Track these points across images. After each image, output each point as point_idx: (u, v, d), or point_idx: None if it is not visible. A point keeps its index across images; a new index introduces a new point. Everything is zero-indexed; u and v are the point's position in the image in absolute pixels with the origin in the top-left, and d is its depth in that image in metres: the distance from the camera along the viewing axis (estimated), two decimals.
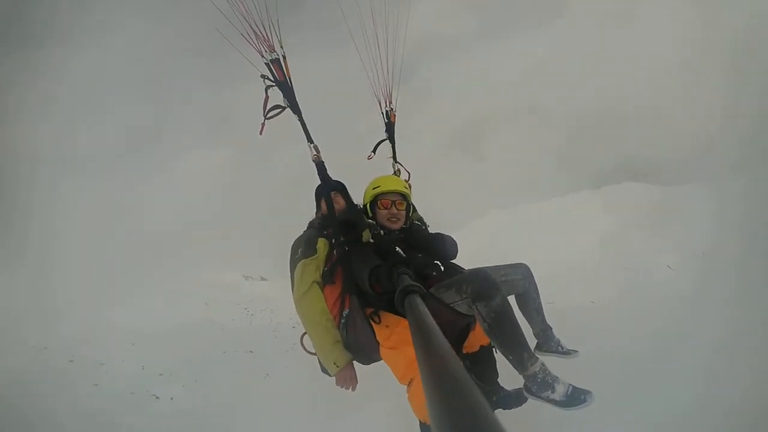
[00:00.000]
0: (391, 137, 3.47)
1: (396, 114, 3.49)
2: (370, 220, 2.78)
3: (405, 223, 2.92)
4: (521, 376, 2.38)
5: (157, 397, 4.78)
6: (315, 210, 3.12)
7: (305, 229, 3.01)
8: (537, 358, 2.22)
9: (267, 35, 2.42)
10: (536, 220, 8.56)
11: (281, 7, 2.43)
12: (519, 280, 2.78)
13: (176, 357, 5.55)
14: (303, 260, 2.72)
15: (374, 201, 2.87)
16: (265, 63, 2.51)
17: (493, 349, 2.77)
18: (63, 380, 4.80)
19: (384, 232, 2.75)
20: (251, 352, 5.86)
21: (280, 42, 2.50)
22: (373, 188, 2.89)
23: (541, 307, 2.88)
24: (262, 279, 11.08)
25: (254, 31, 2.36)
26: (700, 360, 3.35)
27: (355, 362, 2.73)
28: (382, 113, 3.47)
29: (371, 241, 2.69)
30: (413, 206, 3.20)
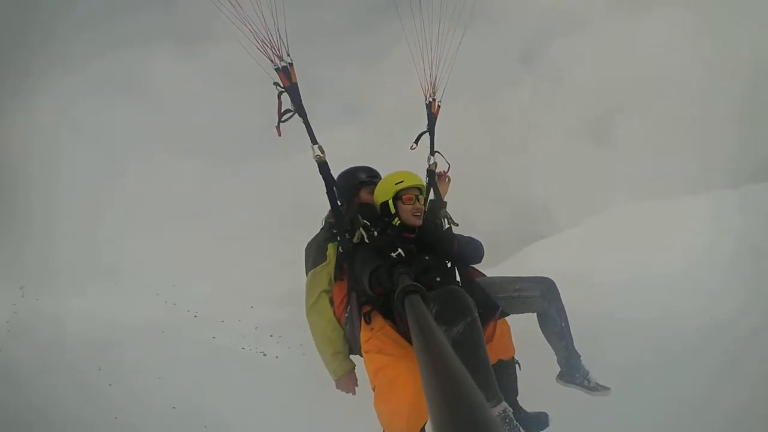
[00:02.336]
0: (431, 129, 3.35)
1: (440, 106, 3.35)
2: (364, 221, 2.76)
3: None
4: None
5: (265, 355, 5.51)
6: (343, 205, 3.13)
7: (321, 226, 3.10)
8: (501, 400, 2.06)
9: (277, 46, 2.58)
10: (662, 219, 7.52)
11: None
12: (536, 297, 2.57)
13: (285, 321, 6.25)
14: (313, 269, 2.83)
15: (396, 196, 2.81)
16: (275, 70, 2.65)
17: (517, 365, 2.61)
18: (188, 330, 5.76)
19: (379, 233, 2.72)
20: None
21: (288, 51, 2.64)
22: (396, 183, 2.82)
23: (568, 331, 2.60)
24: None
25: (265, 43, 2.53)
26: None
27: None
28: (426, 104, 3.35)
29: (366, 241, 2.69)
30: (445, 203, 3.17)
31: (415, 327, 1.11)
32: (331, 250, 2.83)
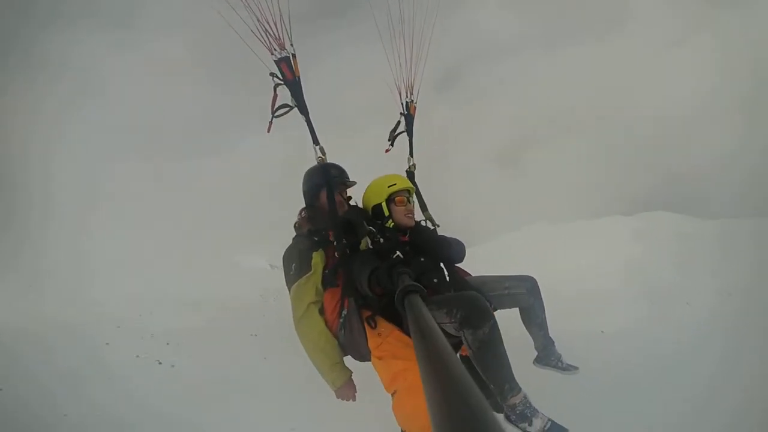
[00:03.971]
0: (409, 131, 3.41)
1: (417, 107, 3.41)
2: (370, 227, 2.76)
3: None
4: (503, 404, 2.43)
5: (160, 363, 5.03)
6: (303, 208, 3.08)
7: (294, 235, 2.99)
8: (519, 390, 2.20)
9: (278, 33, 2.46)
10: (567, 240, 8.41)
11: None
12: (523, 294, 2.78)
13: (184, 329, 5.82)
14: (298, 281, 2.72)
15: (390, 198, 2.88)
16: (275, 61, 2.53)
17: None
18: (80, 336, 5.15)
19: (384, 239, 2.72)
20: (255, 335, 6.03)
21: (291, 40, 2.52)
22: (389, 185, 2.89)
23: (545, 322, 2.88)
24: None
25: (265, 28, 2.40)
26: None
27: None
28: (401, 104, 3.40)
29: (370, 247, 2.68)
30: (425, 204, 3.23)
31: (415, 327, 1.12)
32: (317, 259, 2.73)
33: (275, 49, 2.50)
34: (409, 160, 3.37)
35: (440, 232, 3.13)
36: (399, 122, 3.40)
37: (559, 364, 2.85)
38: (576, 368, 2.80)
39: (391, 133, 3.39)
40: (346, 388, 2.74)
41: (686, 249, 6.76)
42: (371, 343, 2.49)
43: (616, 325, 5.21)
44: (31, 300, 6.32)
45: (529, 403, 2.18)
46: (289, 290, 2.80)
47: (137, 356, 4.98)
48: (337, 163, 3.09)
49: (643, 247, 7.10)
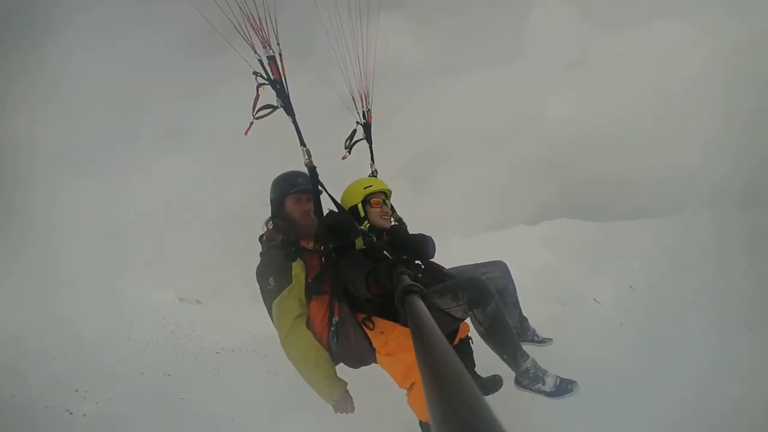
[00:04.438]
0: (368, 138, 3.51)
1: (372, 114, 3.52)
2: (362, 227, 2.79)
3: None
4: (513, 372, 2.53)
5: (71, 413, 4.40)
6: (270, 218, 2.97)
7: (263, 247, 2.84)
8: (528, 355, 2.38)
9: (264, 30, 2.39)
10: (474, 253, 8.86)
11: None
12: (498, 277, 2.96)
13: (92, 373, 5.16)
14: (279, 296, 2.58)
15: (365, 200, 2.95)
16: (259, 60, 2.45)
17: (470, 340, 2.86)
18: None
19: (376, 238, 2.78)
20: (169, 375, 5.53)
21: (277, 38, 2.46)
22: (365, 187, 2.97)
23: (518, 301, 3.08)
24: (198, 302, 10.58)
25: (250, 25, 2.32)
26: (616, 390, 3.54)
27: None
28: (358, 113, 3.49)
29: (363, 247, 2.70)
30: (393, 207, 3.29)
31: (415, 327, 1.16)
32: (297, 269, 2.62)
33: (262, 47, 2.40)
34: (371, 165, 3.49)
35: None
36: (355, 131, 3.48)
37: (536, 338, 3.10)
38: (550, 340, 3.09)
39: (347, 141, 3.46)
40: (344, 401, 2.64)
41: (589, 251, 7.48)
42: (376, 343, 2.48)
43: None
44: None
45: (539, 365, 2.35)
46: (268, 307, 2.65)
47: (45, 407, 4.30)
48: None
49: (550, 252, 7.69)
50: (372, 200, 2.95)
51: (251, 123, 2.57)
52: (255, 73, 2.50)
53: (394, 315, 2.50)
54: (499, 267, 3.01)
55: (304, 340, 2.57)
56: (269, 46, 2.44)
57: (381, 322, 2.53)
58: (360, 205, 2.95)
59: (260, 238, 2.91)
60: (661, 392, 3.50)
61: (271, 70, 2.49)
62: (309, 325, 2.66)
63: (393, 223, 3.12)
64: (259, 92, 2.53)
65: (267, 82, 2.50)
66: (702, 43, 14.08)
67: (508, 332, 2.40)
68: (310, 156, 2.69)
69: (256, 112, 2.56)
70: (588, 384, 3.77)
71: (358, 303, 2.57)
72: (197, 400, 4.69)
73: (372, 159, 3.50)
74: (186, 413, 4.42)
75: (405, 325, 2.45)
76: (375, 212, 2.94)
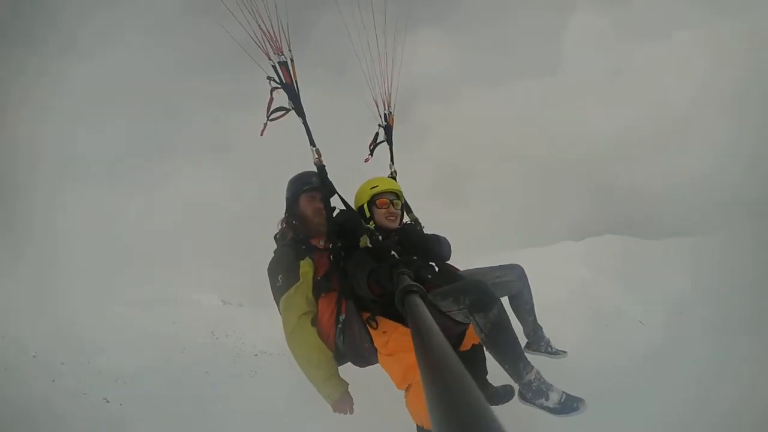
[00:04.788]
0: (389, 139, 3.53)
1: (395, 117, 3.56)
2: (368, 225, 2.79)
3: (400, 223, 2.99)
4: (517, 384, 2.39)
5: (108, 401, 4.66)
6: (284, 216, 3.03)
7: (277, 245, 2.91)
8: (532, 367, 2.25)
9: (276, 37, 2.51)
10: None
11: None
12: (513, 281, 2.85)
13: (134, 367, 5.43)
14: (286, 293, 2.64)
15: (371, 201, 2.93)
16: (272, 65, 2.58)
17: (484, 347, 2.73)
18: (23, 373, 4.72)
19: (382, 237, 2.75)
20: (207, 372, 5.72)
21: (289, 45, 2.58)
22: (371, 188, 2.95)
23: (533, 308, 2.95)
24: (240, 305, 10.92)
25: (263, 32, 2.45)
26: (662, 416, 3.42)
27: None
28: (380, 116, 3.53)
29: (369, 246, 2.69)
30: (409, 206, 3.26)
31: (415, 327, 1.16)
32: (305, 268, 2.68)
33: (274, 54, 2.52)
34: (390, 166, 3.49)
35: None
36: (377, 133, 3.53)
37: (549, 348, 2.94)
38: (564, 353, 2.91)
39: (371, 144, 3.53)
40: (343, 401, 2.65)
41: (634, 269, 7.12)
42: (377, 343, 2.48)
43: (571, 346, 5.37)
44: None
45: (543, 379, 2.26)
46: (277, 303, 2.71)
47: (84, 394, 4.59)
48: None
49: (593, 270, 7.38)
50: (377, 201, 2.93)
51: (265, 124, 2.69)
52: (269, 78, 2.62)
53: (398, 315, 2.48)
54: (515, 271, 2.90)
55: (308, 338, 2.61)
56: (281, 52, 2.56)
57: (384, 322, 2.52)
58: (366, 206, 2.96)
59: (275, 236, 2.99)
60: (710, 414, 3.32)
61: (283, 75, 2.61)
62: (316, 322, 2.69)
63: (408, 223, 3.10)
64: (273, 96, 2.64)
65: (279, 86, 2.61)
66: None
67: (511, 341, 2.27)
68: (320, 155, 2.75)
69: (270, 114, 2.68)
70: (624, 405, 3.65)
71: (364, 302, 2.57)
72: (232, 399, 4.85)
73: (392, 160, 3.51)
74: (221, 411, 4.59)
75: (408, 325, 2.42)
76: (380, 213, 2.92)
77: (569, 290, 6.55)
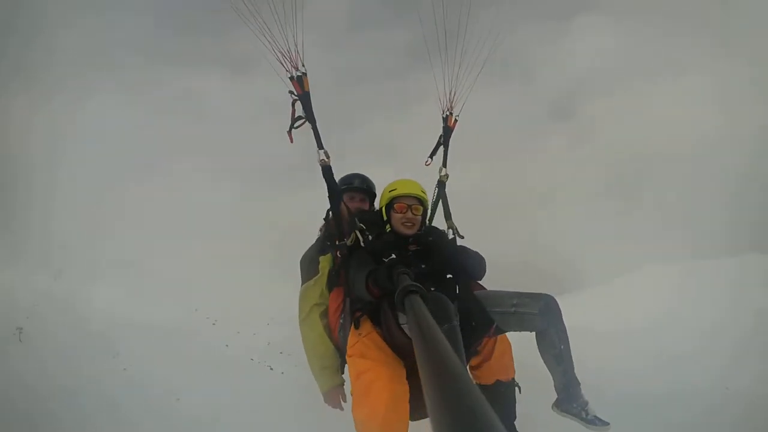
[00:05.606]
0: (446, 142, 3.37)
1: (457, 120, 3.40)
2: (360, 224, 2.79)
3: (420, 229, 2.82)
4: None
5: (272, 369, 5.58)
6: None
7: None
8: None
9: (294, 56, 2.80)
10: (694, 282, 7.32)
11: None
12: (534, 315, 2.43)
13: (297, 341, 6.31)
14: (305, 284, 2.95)
15: (390, 204, 2.82)
16: (290, 78, 2.86)
17: (517, 388, 2.58)
18: (202, 336, 5.98)
19: (374, 237, 2.73)
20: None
21: (302, 61, 2.86)
22: (390, 191, 2.85)
23: (567, 355, 2.43)
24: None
25: (282, 53, 2.77)
26: None
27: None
28: (442, 117, 3.38)
29: (362, 245, 2.71)
30: (449, 212, 3.16)
31: (415, 327, 1.13)
32: (324, 263, 2.92)
33: (292, 70, 2.84)
34: (441, 170, 3.32)
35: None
36: (441, 136, 3.40)
37: (584, 414, 2.34)
38: (607, 424, 2.28)
39: (436, 148, 3.42)
40: (333, 395, 2.81)
41: None
42: (349, 342, 2.51)
43: (742, 383, 4.43)
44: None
45: None
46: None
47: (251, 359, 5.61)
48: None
49: None
50: (395, 205, 2.77)
51: (289, 132, 2.94)
52: (290, 92, 2.89)
53: (380, 322, 2.46)
54: (540, 302, 2.43)
55: (314, 329, 2.83)
56: (297, 68, 2.84)
57: (366, 325, 2.49)
58: (383, 209, 2.86)
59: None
60: None
61: (297, 87, 2.88)
62: (325, 316, 2.88)
63: (427, 227, 2.96)
64: (294, 108, 2.91)
65: (297, 98, 2.88)
66: None
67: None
68: (328, 157, 2.88)
69: (293, 124, 2.92)
70: None
71: (360, 301, 2.56)
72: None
73: (444, 163, 3.33)
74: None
75: (384, 337, 2.42)
76: (396, 217, 2.75)
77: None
